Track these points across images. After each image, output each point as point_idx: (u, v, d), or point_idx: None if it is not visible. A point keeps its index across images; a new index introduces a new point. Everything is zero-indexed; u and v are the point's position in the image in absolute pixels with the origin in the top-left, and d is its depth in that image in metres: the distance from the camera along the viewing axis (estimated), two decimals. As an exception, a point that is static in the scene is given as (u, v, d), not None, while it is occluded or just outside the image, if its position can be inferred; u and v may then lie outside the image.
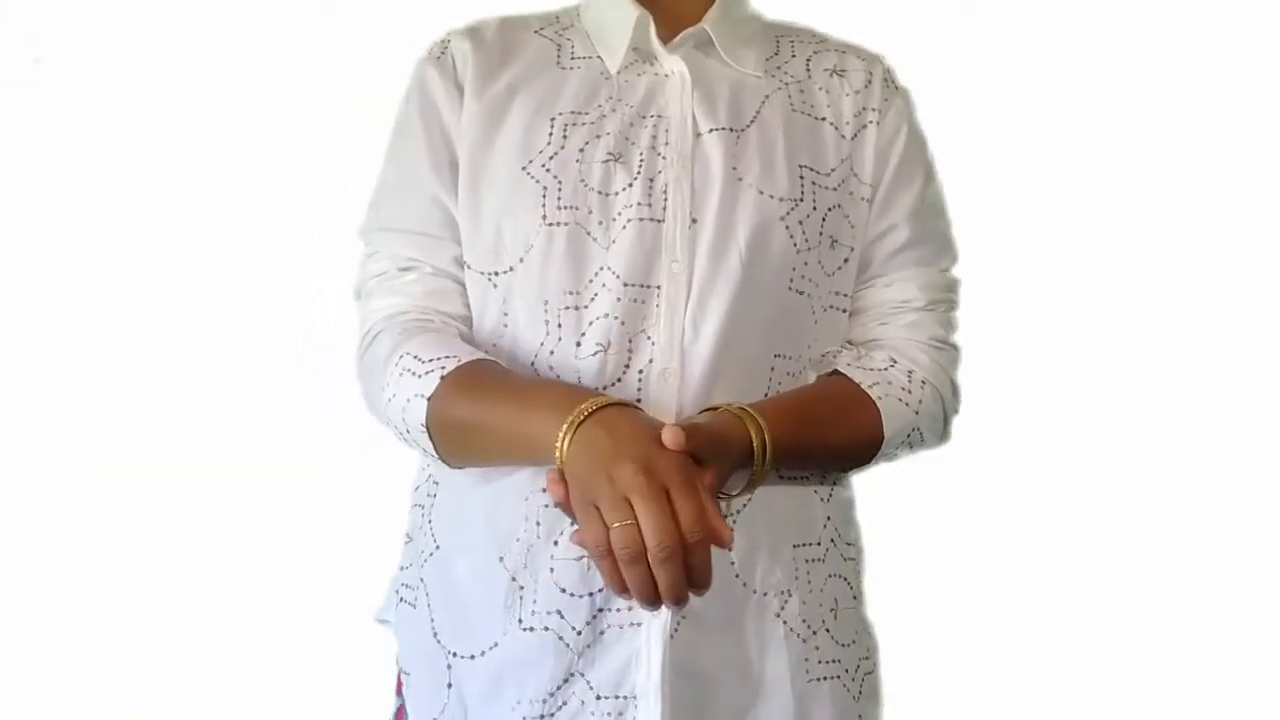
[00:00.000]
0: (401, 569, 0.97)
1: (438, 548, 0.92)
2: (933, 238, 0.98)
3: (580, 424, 0.75)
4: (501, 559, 0.87)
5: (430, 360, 0.85)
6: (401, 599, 0.96)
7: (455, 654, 0.89)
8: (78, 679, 1.67)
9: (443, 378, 0.84)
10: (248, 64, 1.67)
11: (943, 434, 0.97)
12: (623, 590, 0.70)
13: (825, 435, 0.87)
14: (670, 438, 0.72)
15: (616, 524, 0.68)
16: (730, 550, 0.73)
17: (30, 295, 1.68)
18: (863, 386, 0.91)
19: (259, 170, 1.67)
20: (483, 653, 0.87)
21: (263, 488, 1.67)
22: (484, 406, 0.82)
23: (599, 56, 0.94)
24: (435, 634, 0.91)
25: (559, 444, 0.75)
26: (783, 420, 0.82)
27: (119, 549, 1.69)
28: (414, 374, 0.85)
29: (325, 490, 1.62)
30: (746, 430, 0.80)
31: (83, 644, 1.69)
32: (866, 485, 1.01)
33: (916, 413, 0.92)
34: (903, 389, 0.92)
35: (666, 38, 0.93)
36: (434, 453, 0.87)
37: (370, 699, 1.10)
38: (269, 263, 1.67)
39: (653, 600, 0.69)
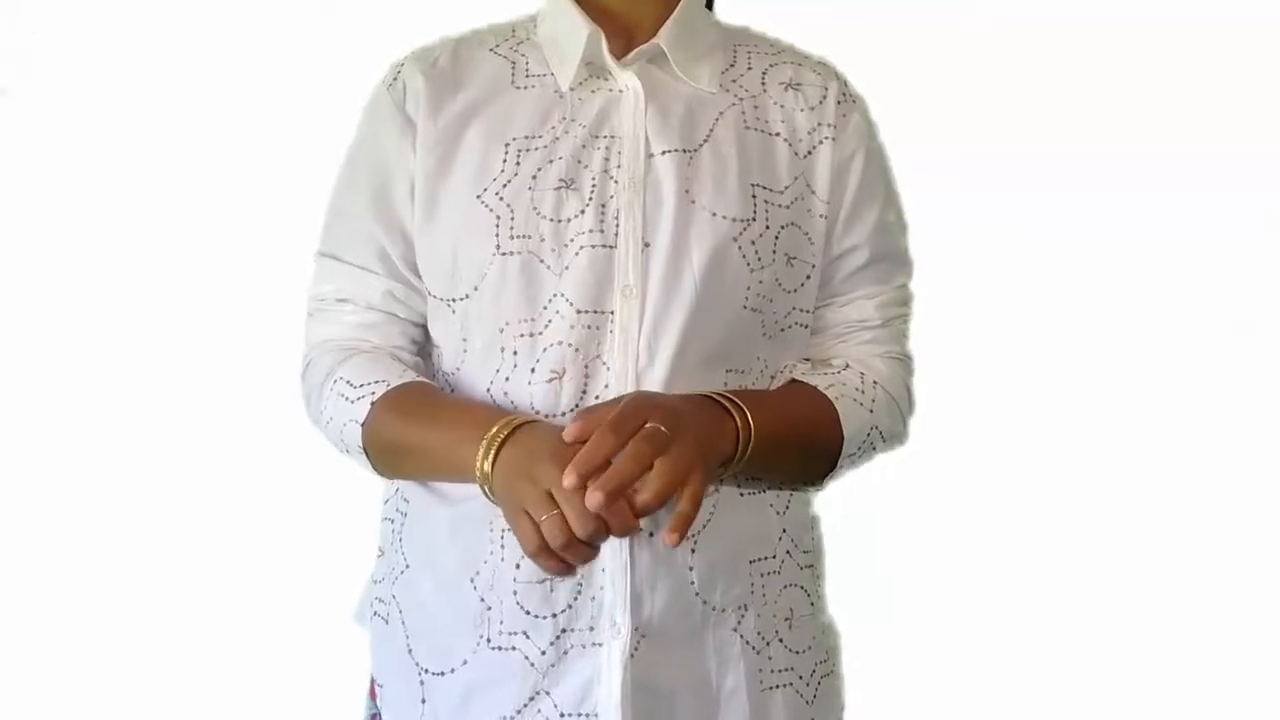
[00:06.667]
0: (375, 582, 1.00)
1: (408, 566, 0.94)
2: (890, 256, 0.99)
3: (499, 446, 0.81)
4: (471, 580, 0.89)
5: (361, 385, 0.91)
6: (375, 612, 0.98)
7: (427, 670, 0.92)
8: (52, 685, 1.70)
9: (373, 404, 0.90)
10: (229, 86, 1.68)
11: (900, 437, 1.00)
12: (563, 571, 0.80)
13: (795, 423, 0.90)
14: (569, 433, 0.79)
15: (543, 517, 0.77)
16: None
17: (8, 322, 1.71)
18: (820, 389, 0.93)
19: (236, 190, 1.68)
20: (453, 670, 0.90)
21: (235, 488, 1.70)
22: (411, 430, 0.89)
23: (552, 74, 0.93)
24: (409, 650, 0.93)
25: (478, 465, 0.82)
26: (755, 401, 0.87)
27: (100, 550, 1.72)
28: (347, 399, 0.91)
29: (299, 491, 1.64)
30: (716, 401, 0.85)
31: (60, 649, 1.71)
32: (833, 485, 1.02)
33: (871, 412, 0.95)
34: (857, 389, 0.94)
35: (622, 51, 0.92)
36: (373, 470, 0.94)
37: (343, 700, 1.13)
38: (242, 271, 1.67)
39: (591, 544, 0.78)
